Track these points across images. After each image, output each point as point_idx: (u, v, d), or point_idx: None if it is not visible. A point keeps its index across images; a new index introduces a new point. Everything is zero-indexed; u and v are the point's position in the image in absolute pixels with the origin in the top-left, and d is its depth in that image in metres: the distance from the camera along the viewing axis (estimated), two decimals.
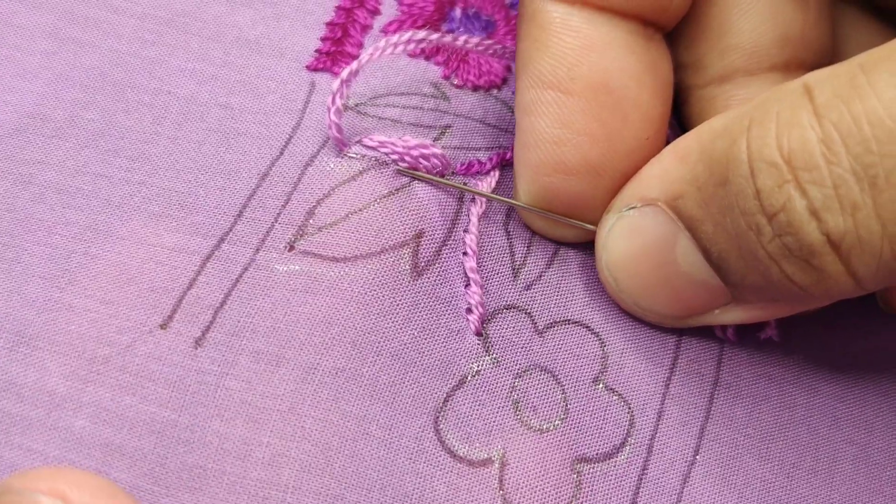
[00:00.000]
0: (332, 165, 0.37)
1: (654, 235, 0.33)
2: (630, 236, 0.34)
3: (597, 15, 0.33)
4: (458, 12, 0.42)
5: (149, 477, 0.31)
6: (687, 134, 0.32)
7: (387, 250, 0.35)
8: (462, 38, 0.38)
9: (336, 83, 0.36)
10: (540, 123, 0.34)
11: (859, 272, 0.28)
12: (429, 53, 0.41)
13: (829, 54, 0.37)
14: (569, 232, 0.37)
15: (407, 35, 0.37)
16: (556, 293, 0.36)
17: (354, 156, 0.37)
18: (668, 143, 0.34)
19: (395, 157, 0.36)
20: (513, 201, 0.36)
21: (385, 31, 0.41)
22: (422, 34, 0.37)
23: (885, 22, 0.39)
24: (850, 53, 0.32)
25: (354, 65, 0.36)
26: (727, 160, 0.29)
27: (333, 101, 0.36)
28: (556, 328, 0.36)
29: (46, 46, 0.39)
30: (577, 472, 0.34)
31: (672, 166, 0.32)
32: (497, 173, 0.38)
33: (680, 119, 0.39)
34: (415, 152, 0.36)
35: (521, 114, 0.35)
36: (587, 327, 0.36)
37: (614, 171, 0.34)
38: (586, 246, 0.37)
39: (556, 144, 0.34)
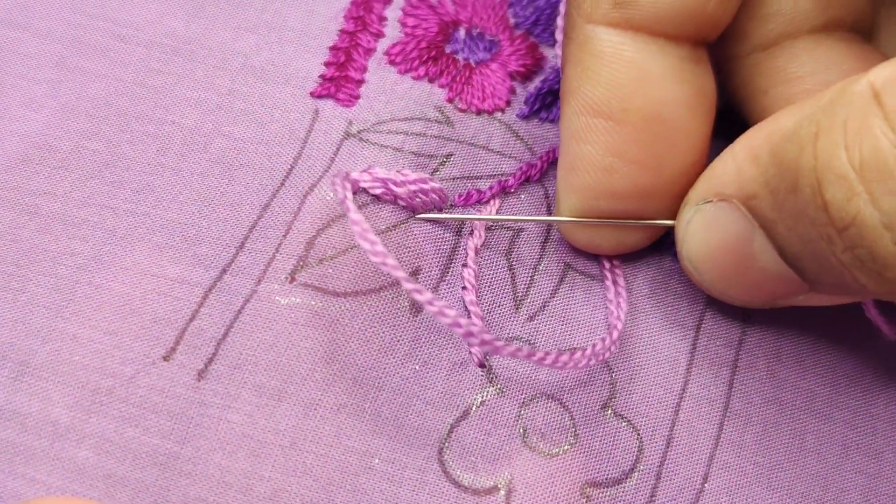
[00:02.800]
0: (331, 195, 0.37)
1: (731, 230, 0.33)
2: (708, 230, 0.33)
3: (649, 42, 0.33)
4: (461, 33, 0.42)
5: None
6: (758, 129, 0.32)
7: (385, 288, 0.35)
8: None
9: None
10: (590, 150, 0.34)
11: None
12: (432, 76, 0.41)
13: (868, 12, 0.37)
14: (611, 241, 0.37)
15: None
16: (561, 323, 0.36)
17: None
18: None
19: (393, 193, 0.36)
20: (560, 218, 0.36)
21: (388, 53, 0.41)
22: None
23: None
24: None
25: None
26: (797, 168, 0.29)
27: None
28: None
29: (53, 76, 0.39)
30: (587, 497, 0.33)
31: (745, 165, 0.31)
32: (497, 202, 0.38)
33: (725, 90, 0.38)
34: (413, 187, 0.36)
35: (570, 138, 0.35)
36: None
37: (662, 194, 0.35)
38: (591, 276, 0.37)
39: (607, 172, 0.34)
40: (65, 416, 0.32)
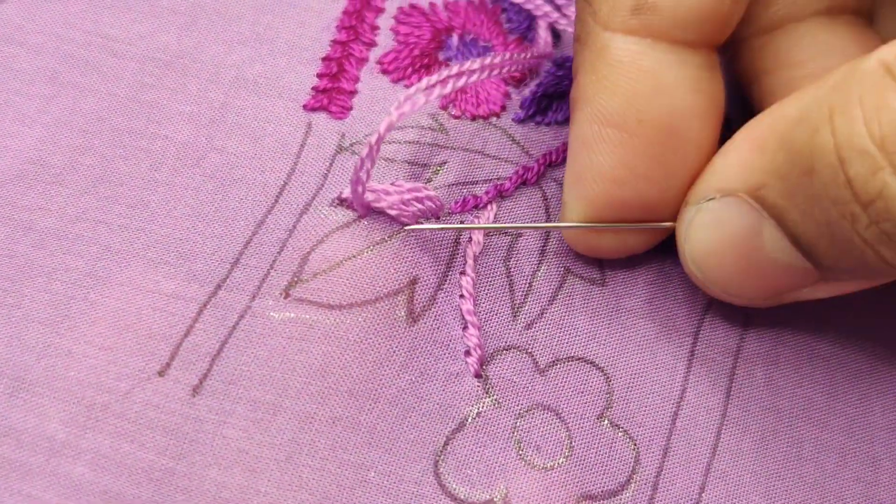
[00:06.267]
0: (326, 212, 0.37)
1: (738, 225, 0.32)
2: (713, 227, 0.33)
3: (667, 50, 0.33)
4: (455, 40, 0.42)
5: None
6: (759, 119, 0.32)
7: (381, 298, 0.35)
8: (466, 66, 0.37)
9: (362, 157, 0.35)
10: (600, 161, 0.34)
11: None
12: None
13: None
14: (612, 244, 0.37)
15: (423, 83, 0.35)
16: (559, 330, 0.36)
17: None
18: None
19: (387, 203, 0.36)
20: (566, 224, 0.36)
21: (381, 62, 0.41)
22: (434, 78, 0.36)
23: None
24: None
25: (373, 138, 0.35)
26: (811, 150, 0.28)
27: (359, 175, 0.36)
28: (558, 366, 0.35)
29: (46, 91, 0.39)
30: None
31: (750, 157, 0.31)
32: (494, 206, 0.38)
33: (731, 71, 0.38)
34: (408, 196, 0.36)
35: (580, 147, 0.34)
36: (591, 363, 0.36)
37: (669, 205, 0.35)
38: (591, 280, 0.37)
39: (616, 184, 0.34)
40: (61, 432, 0.32)
